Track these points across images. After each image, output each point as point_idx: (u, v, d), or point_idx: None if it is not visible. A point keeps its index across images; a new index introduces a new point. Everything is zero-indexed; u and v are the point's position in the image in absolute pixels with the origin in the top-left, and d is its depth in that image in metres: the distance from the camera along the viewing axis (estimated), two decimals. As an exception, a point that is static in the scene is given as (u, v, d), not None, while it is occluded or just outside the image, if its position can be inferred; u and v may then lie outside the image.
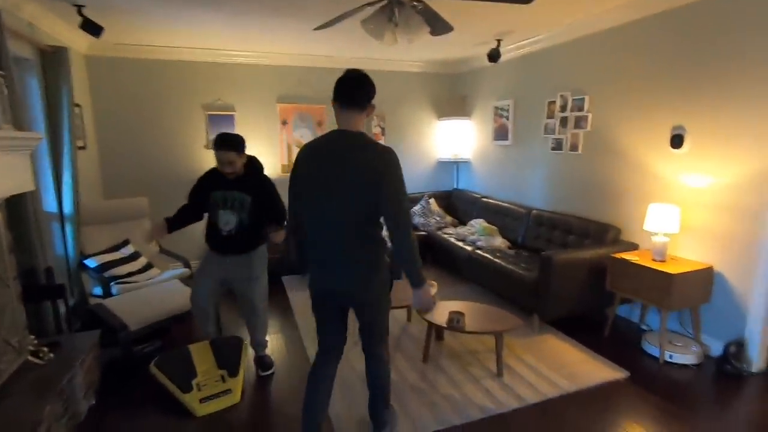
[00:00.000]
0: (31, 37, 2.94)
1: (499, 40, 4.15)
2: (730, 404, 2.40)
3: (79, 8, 3.01)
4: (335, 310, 1.91)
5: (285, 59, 4.83)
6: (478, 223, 4.65)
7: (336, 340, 1.96)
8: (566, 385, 2.53)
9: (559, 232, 3.82)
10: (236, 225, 2.53)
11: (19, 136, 2.09)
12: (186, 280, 3.38)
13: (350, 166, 1.71)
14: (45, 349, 2.21)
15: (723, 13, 2.67)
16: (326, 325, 1.94)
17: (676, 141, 2.96)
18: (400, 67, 5.35)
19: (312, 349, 3.00)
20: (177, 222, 2.61)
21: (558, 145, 4.06)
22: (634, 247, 3.29)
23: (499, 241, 4.23)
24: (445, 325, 2.67)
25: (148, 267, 3.53)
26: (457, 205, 5.46)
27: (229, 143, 2.45)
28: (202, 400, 2.35)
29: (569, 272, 3.14)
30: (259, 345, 2.80)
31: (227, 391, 2.43)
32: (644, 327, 3.29)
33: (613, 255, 3.08)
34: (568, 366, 2.75)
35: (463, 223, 5.07)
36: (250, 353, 2.88)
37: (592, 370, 2.69)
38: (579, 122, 3.79)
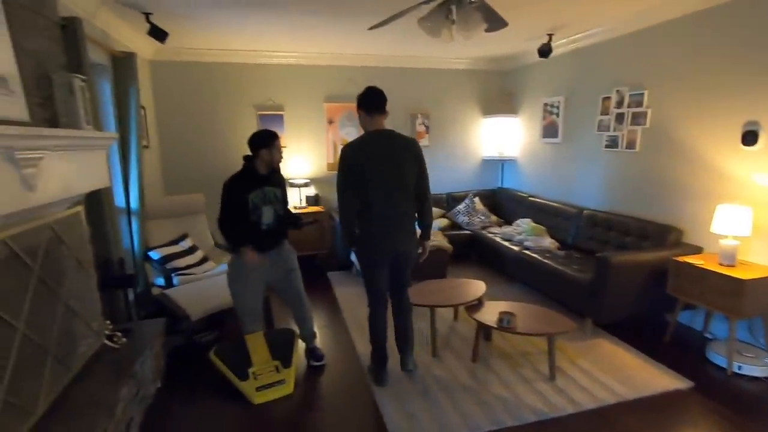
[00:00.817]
0: (105, 43, 3.16)
1: (550, 35, 4.03)
2: (809, 421, 2.23)
3: (147, 16, 3.20)
4: (388, 265, 2.51)
5: (333, 59, 4.92)
6: (525, 223, 4.54)
7: (386, 286, 2.59)
8: (624, 392, 2.43)
9: (616, 233, 3.67)
10: (274, 218, 2.65)
11: (98, 136, 2.25)
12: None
13: (399, 154, 2.39)
14: (119, 334, 2.38)
15: (807, -1, 2.47)
16: (381, 277, 2.53)
17: (749, 137, 2.77)
18: (446, 64, 5.31)
19: (360, 342, 3.05)
20: (241, 237, 2.60)
21: (613, 143, 3.90)
22: (698, 250, 3.10)
23: (548, 242, 4.12)
24: (495, 326, 2.64)
25: (204, 260, 3.71)
26: (503, 204, 5.36)
27: (275, 134, 2.61)
28: (258, 389, 2.45)
29: (627, 275, 3.01)
30: (310, 336, 2.88)
31: (281, 381, 2.52)
32: (708, 335, 3.10)
33: (675, 258, 2.93)
34: (626, 372, 2.64)
35: (509, 222, 4.97)
36: (300, 345, 2.96)
37: (651, 378, 2.57)
38: (636, 118, 3.62)
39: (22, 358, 1.63)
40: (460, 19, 2.13)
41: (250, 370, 2.53)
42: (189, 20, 3.41)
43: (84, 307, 2.16)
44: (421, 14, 2.30)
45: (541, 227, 4.38)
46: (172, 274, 3.34)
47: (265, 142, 2.56)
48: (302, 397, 2.50)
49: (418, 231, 2.60)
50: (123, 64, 3.28)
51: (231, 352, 2.66)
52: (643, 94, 3.53)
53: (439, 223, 4.96)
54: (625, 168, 3.79)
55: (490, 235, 4.59)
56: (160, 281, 3.42)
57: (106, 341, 2.33)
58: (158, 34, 3.32)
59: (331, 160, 5.18)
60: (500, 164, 5.79)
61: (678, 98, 3.27)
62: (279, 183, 2.73)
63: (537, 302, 3.58)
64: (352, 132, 5.12)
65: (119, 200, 3.34)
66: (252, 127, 4.87)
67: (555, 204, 4.50)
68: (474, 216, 5.07)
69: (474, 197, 5.27)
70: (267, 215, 2.62)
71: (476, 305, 2.91)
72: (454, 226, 5.02)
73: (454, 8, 2.12)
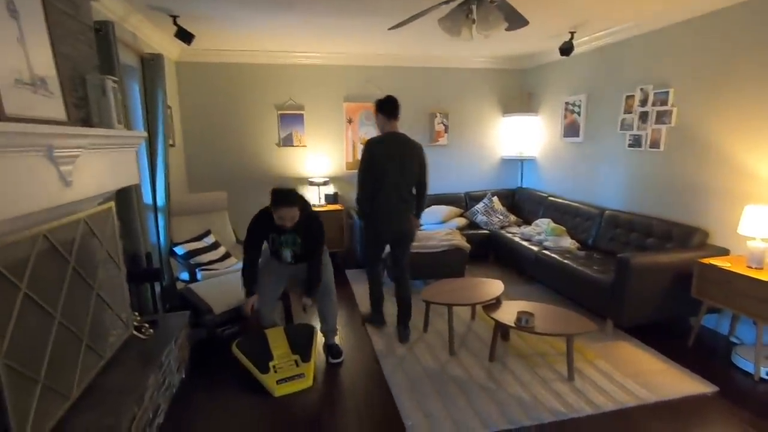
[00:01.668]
0: (134, 45, 3.28)
1: (572, 33, 3.98)
2: (841, 430, 2.16)
3: (174, 18, 3.30)
4: (387, 241, 3.17)
5: (352, 59, 4.97)
6: (545, 223, 4.50)
7: (381, 256, 3.29)
8: (645, 395, 2.39)
9: (638, 234, 3.60)
10: (292, 256, 2.75)
11: (128, 135, 2.34)
12: (260, 269, 3.61)
13: (408, 154, 3.00)
14: (146, 325, 2.47)
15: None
16: (379, 249, 3.24)
17: (780, 137, 2.68)
18: (466, 63, 5.30)
19: (376, 337, 3.09)
20: (254, 282, 2.71)
21: (636, 142, 3.82)
22: (724, 252, 3.03)
23: (569, 242, 4.07)
24: (513, 325, 2.63)
25: (226, 256, 3.80)
26: (522, 204, 5.32)
27: (290, 200, 2.52)
28: (278, 382, 2.51)
29: (649, 276, 2.96)
30: (331, 331, 2.93)
31: (301, 375, 2.57)
32: (734, 339, 3.02)
33: (700, 260, 2.86)
34: (646, 375, 2.60)
35: (528, 222, 4.93)
36: (320, 341, 3.01)
37: (674, 382, 2.52)
38: (661, 117, 3.54)
39: (59, 345, 1.72)
40: (480, 17, 2.14)
41: (271, 364, 2.60)
42: (213, 22, 3.51)
43: (114, 299, 2.26)
44: (441, 14, 2.31)
45: (561, 227, 4.33)
46: (196, 269, 3.45)
47: (273, 204, 2.54)
48: (321, 393, 2.54)
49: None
50: (151, 66, 3.40)
51: (252, 345, 2.73)
52: (668, 92, 3.46)
53: (457, 222, 4.95)
54: (649, 168, 3.72)
55: (509, 234, 4.57)
56: (185, 276, 3.53)
57: (135, 332, 2.42)
58: (184, 36, 3.42)
59: (350, 159, 5.23)
60: (519, 164, 5.74)
61: (705, 97, 3.19)
62: (301, 232, 2.68)
63: (556, 303, 3.55)
64: (370, 131, 5.15)
65: (146, 197, 3.46)
66: (273, 126, 4.97)
67: (575, 204, 4.44)
68: (492, 215, 5.04)
69: (492, 196, 5.24)
70: (284, 255, 2.75)
71: (494, 304, 2.91)
72: (472, 225, 5.01)
73: (474, 7, 2.13)
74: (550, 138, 5.11)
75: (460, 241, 4.17)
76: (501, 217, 5.03)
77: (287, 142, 5.02)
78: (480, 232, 4.81)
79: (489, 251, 4.85)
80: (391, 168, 2.92)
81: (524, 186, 5.65)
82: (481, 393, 2.46)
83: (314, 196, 5.01)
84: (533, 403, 2.35)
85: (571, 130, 4.71)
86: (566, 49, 4.03)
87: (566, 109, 4.76)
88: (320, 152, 5.15)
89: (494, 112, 5.57)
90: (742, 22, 2.90)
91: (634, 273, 2.92)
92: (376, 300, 3.34)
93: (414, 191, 3.09)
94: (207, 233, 3.87)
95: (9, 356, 1.44)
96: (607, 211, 4.02)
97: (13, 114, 1.48)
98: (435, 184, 5.45)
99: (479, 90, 5.46)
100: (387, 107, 2.95)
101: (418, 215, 3.17)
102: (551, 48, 4.47)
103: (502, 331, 3.01)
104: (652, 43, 3.62)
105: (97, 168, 2.02)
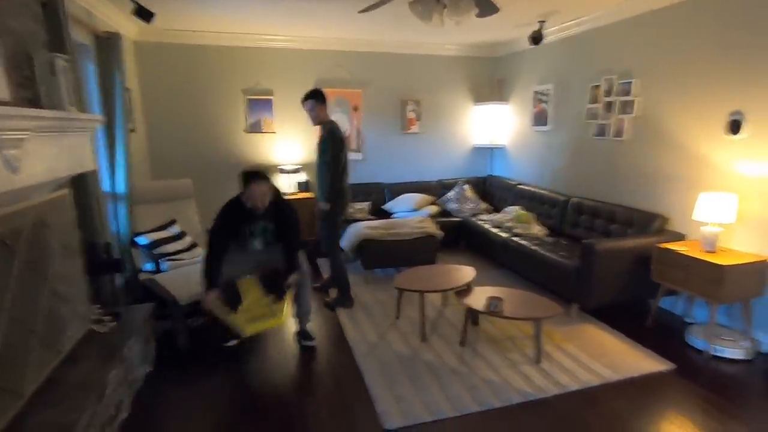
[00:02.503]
0: (89, 23, 3.07)
1: (542, 22, 4.02)
2: (782, 401, 2.32)
3: (132, -6, 3.11)
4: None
5: (323, 44, 4.86)
6: (514, 210, 4.59)
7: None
8: (608, 375, 2.50)
9: (601, 221, 3.73)
10: (263, 245, 2.72)
11: (82, 118, 2.20)
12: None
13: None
14: (106, 318, 2.37)
15: (794, -11, 2.49)
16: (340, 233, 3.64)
17: (734, 126, 2.82)
18: (437, 50, 5.28)
19: (348, 324, 3.08)
20: (217, 275, 2.58)
21: (601, 131, 3.93)
22: (680, 237, 3.17)
23: (536, 229, 4.17)
24: (483, 310, 2.68)
25: (193, 246, 3.67)
26: (492, 191, 5.40)
27: (260, 175, 2.53)
28: (249, 321, 2.47)
29: (612, 261, 3.07)
30: (305, 314, 2.90)
31: (273, 313, 2.54)
32: (689, 320, 3.19)
33: (659, 245, 2.99)
34: (610, 355, 2.71)
35: (498, 210, 5.01)
36: (290, 329, 2.97)
37: (635, 361, 2.64)
38: (625, 107, 3.65)
39: (8, 341, 1.62)
40: (451, 3, 2.11)
41: (241, 306, 2.57)
42: (175, 0, 3.33)
43: (71, 291, 2.14)
44: (413, -2, 2.27)
45: (530, 214, 4.42)
46: (161, 260, 3.32)
47: (244, 182, 2.51)
48: (292, 380, 2.52)
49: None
50: (107, 45, 3.20)
51: (223, 295, 2.61)
52: (631, 83, 3.56)
53: (428, 209, 4.98)
54: (613, 156, 3.84)
55: (479, 222, 4.63)
56: (149, 266, 3.39)
57: (94, 325, 2.31)
58: (144, 14, 3.23)
59: (321, 146, 5.13)
60: (490, 152, 5.82)
61: (666, 87, 3.30)
62: (273, 219, 2.67)
63: (525, 288, 3.63)
64: (342, 118, 5.08)
65: (105, 185, 3.29)
66: (241, 111, 4.81)
67: (543, 191, 4.54)
68: (464, 203, 5.09)
69: (464, 184, 5.29)
70: (254, 245, 2.71)
71: (465, 290, 2.95)
72: (444, 213, 5.05)
73: (445, -8, 2.10)
74: (520, 126, 5.19)
75: (432, 228, 4.20)
76: (472, 204, 5.09)
77: (255, 128, 4.88)
78: (452, 219, 4.86)
79: (460, 238, 4.90)
80: (346, 153, 3.30)
81: (494, 174, 5.74)
82: (453, 377, 2.50)
83: (285, 185, 4.91)
84: (503, 385, 2.41)
85: (540, 118, 4.79)
86: (536, 38, 4.08)
87: (536, 98, 4.84)
88: (290, 139, 5.04)
89: (466, 101, 5.59)
90: (700, 15, 3.00)
91: (598, 258, 3.02)
92: (346, 282, 3.48)
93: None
94: (172, 222, 3.72)
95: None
96: (573, 198, 4.13)
97: (-53, 92, 1.36)
98: (407, 172, 5.46)
99: (451, 77, 5.47)
100: (323, 96, 3.33)
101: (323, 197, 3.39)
102: (522, 37, 4.51)
103: (472, 316, 3.06)
104: (618, 34, 3.71)
105: (48, 153, 1.89)
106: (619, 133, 3.74)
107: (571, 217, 4.07)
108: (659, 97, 3.37)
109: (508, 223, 4.39)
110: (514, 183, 5.07)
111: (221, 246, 2.59)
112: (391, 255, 4.04)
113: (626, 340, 2.89)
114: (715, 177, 2.98)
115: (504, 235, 4.15)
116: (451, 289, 2.97)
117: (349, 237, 4.06)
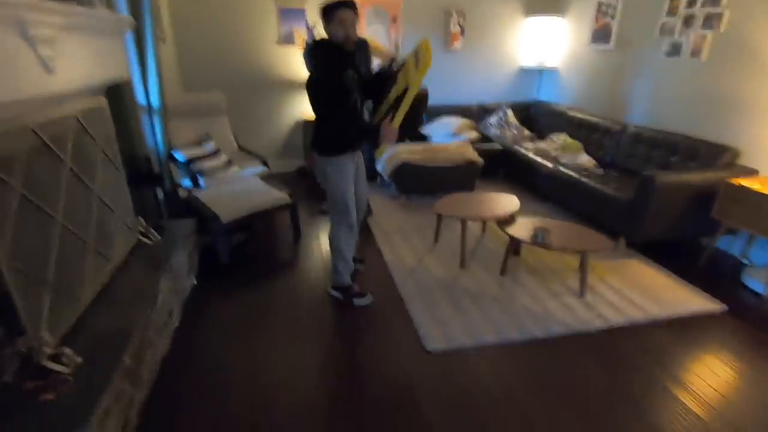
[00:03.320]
0: None
1: None
2: (842, 347, 2.22)
3: None
4: None
5: (361, -59, 4.31)
6: (560, 138, 4.29)
7: None
8: (655, 311, 2.42)
9: (661, 152, 3.43)
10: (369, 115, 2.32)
11: (112, 18, 2.04)
12: (265, 178, 3.46)
13: None
14: (153, 230, 2.39)
15: None
16: None
17: None
18: (490, -49, 4.64)
19: (387, 252, 3.06)
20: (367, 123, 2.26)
21: (675, 50, 3.47)
22: (753, 172, 2.89)
23: (585, 159, 3.90)
24: (529, 241, 2.58)
25: (228, 164, 3.63)
26: (538, 118, 5.03)
27: (350, 3, 2.00)
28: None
29: (672, 196, 2.86)
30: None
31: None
32: (746, 261, 3.02)
33: (728, 180, 2.74)
34: (657, 292, 2.61)
35: (541, 137, 4.70)
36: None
37: (684, 299, 2.55)
38: (709, 21, 3.16)
39: (64, 249, 1.63)
40: None
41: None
42: None
43: (117, 203, 2.14)
44: None
45: (577, 143, 4.13)
46: (198, 176, 3.30)
47: (329, 12, 2.00)
48: (336, 302, 2.54)
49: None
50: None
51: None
52: (723, -10, 3.05)
53: (467, 135, 4.72)
54: (684, 80, 3.42)
55: (522, 150, 4.37)
56: (187, 183, 3.38)
57: (141, 237, 2.35)
58: None
59: (357, 62, 4.79)
60: (539, 75, 5.34)
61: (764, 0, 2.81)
62: (364, 58, 2.26)
63: (567, 220, 3.49)
64: (379, 30, 4.68)
65: (139, 97, 3.18)
66: (273, 22, 4.47)
67: (596, 119, 4.19)
68: (506, 129, 4.79)
69: (507, 109, 4.95)
70: (366, 103, 2.26)
71: (508, 220, 2.84)
72: (484, 139, 4.78)
73: None
74: (576, 44, 4.67)
75: (473, 155, 4.00)
76: (515, 131, 4.79)
77: (288, 39, 4.56)
78: (492, 146, 4.60)
79: (499, 168, 4.68)
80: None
81: (541, 99, 5.31)
82: (493, 304, 2.48)
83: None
84: (544, 315, 2.38)
85: (601, 35, 4.28)
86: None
87: (599, 11, 4.28)
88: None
89: (516, 12, 5.01)
90: None
91: (658, 192, 2.80)
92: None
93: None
94: (207, 138, 3.66)
95: (13, 259, 1.34)
96: (631, 127, 3.79)
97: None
98: (447, 94, 5.11)
99: (502, -15, 4.86)
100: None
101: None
102: (592, -67, 3.87)
103: (513, 246, 2.98)
104: (715, -72, 3.10)
105: (82, 55, 1.77)
106: (696, 53, 3.29)
107: (626, 148, 3.76)
108: (753, 11, 2.88)
109: (554, 151, 4.12)
110: (564, 109, 4.69)
111: (350, 100, 2.09)
112: (429, 181, 3.91)
113: (675, 278, 2.77)
114: (808, 106, 2.62)
115: (549, 164, 3.91)
116: (495, 217, 2.86)
117: (386, 160, 3.92)
